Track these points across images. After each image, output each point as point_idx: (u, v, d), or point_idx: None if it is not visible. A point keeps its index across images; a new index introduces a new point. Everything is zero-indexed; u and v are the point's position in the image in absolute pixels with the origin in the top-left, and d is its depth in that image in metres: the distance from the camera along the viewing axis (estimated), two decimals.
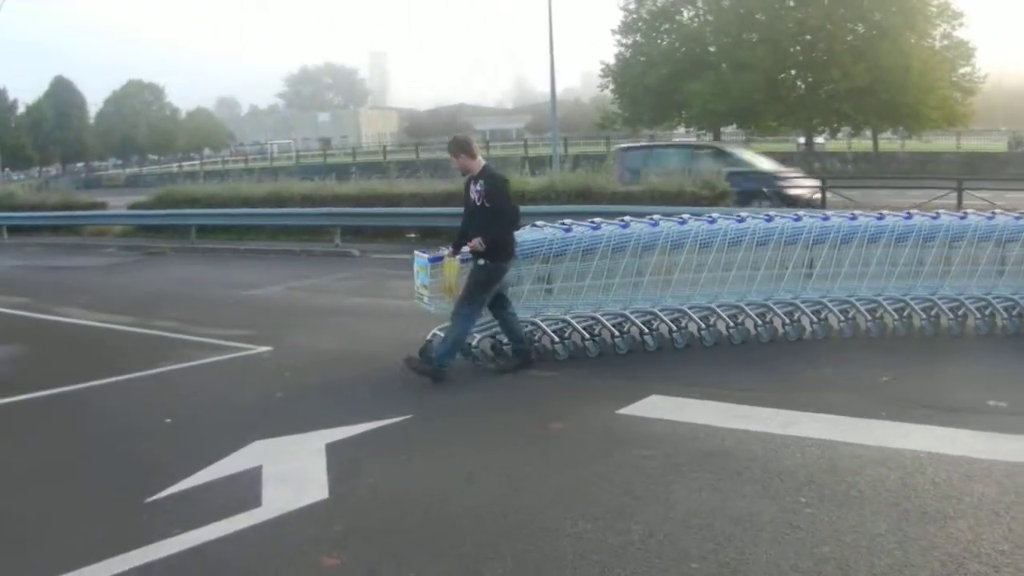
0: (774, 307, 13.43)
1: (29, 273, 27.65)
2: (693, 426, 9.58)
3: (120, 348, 13.54)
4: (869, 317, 13.51)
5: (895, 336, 13.37)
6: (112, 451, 9.95)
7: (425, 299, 12.47)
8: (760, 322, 13.38)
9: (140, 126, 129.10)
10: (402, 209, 29.31)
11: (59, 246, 35.40)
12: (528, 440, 9.49)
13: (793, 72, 65.05)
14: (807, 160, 57.79)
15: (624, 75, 68.71)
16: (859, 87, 58.49)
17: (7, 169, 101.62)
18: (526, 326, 12.78)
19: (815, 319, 13.48)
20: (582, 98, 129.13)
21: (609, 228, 13.15)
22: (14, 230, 41.46)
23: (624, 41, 69.53)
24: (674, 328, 13.17)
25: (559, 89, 50.28)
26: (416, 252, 12.70)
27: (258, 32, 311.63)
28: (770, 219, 13.74)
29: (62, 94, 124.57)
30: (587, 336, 12.91)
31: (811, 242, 13.54)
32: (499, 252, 11.98)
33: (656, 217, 13.66)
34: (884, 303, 13.50)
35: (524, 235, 12.92)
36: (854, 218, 13.89)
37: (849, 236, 13.57)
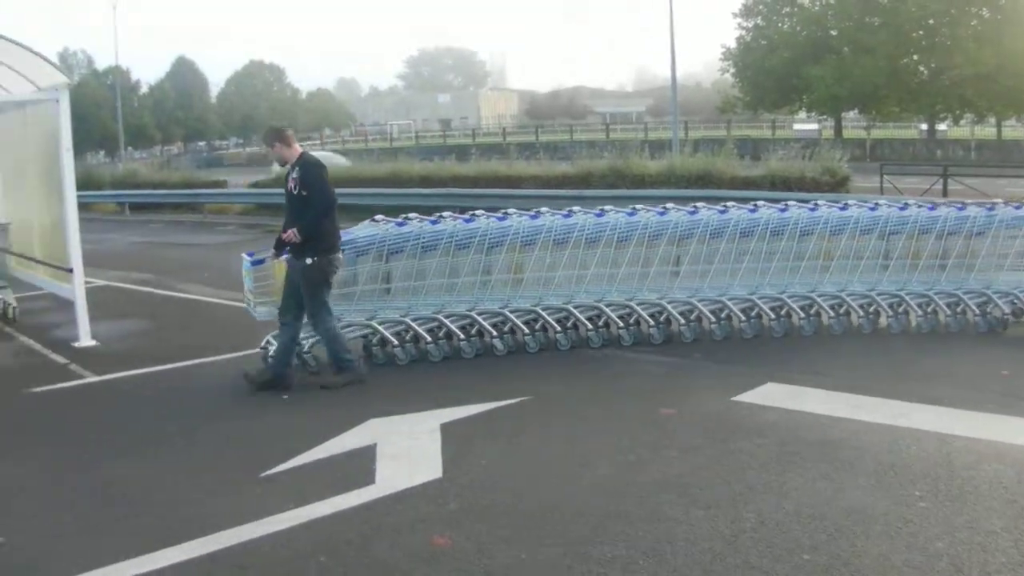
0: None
1: (151, 249, 28.16)
2: (808, 415, 9.54)
3: (239, 324, 13.71)
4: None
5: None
6: (229, 426, 10.20)
7: (251, 304, 12.01)
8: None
9: (261, 106, 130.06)
10: (519, 191, 29.18)
11: (180, 223, 36.01)
12: (642, 425, 9.49)
13: (916, 57, 64.10)
14: (929, 148, 57.05)
15: (745, 59, 68.23)
16: (983, 73, 57.48)
17: (130, 148, 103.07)
18: (362, 329, 12.37)
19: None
20: (703, 82, 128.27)
21: (452, 223, 12.68)
22: (137, 207, 42.24)
23: (745, 24, 69.06)
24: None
25: (680, 73, 50.14)
26: (243, 254, 12.22)
27: (379, 13, 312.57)
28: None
29: (184, 74, 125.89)
30: (429, 339, 12.39)
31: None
32: (324, 245, 11.33)
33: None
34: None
35: (358, 231, 12.65)
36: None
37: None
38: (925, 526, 6.82)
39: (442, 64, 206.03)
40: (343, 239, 11.94)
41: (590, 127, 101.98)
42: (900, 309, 13.26)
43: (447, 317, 12.45)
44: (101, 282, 20.15)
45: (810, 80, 62.73)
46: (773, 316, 13.05)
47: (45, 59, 16.31)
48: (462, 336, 12.44)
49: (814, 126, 70.89)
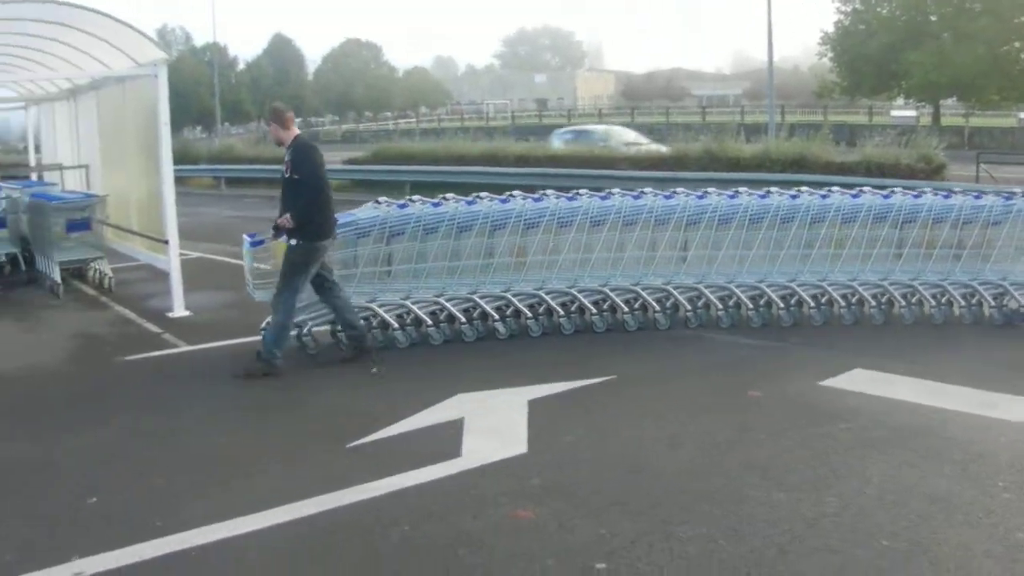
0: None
1: (245, 223, 28.43)
2: (894, 402, 9.54)
3: None
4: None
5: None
6: (318, 397, 10.43)
7: (251, 286, 11.92)
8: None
9: (357, 84, 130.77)
10: (614, 172, 29.05)
11: (275, 198, 36.33)
12: (728, 407, 9.56)
13: (1017, 44, 63.00)
14: None
15: (843, 43, 67.40)
16: None
17: (226, 124, 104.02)
18: (363, 311, 12.19)
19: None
20: (800, 66, 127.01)
21: (454, 206, 12.59)
22: (232, 182, 42.76)
23: (844, 9, 68.17)
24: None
25: (777, 56, 49.77)
26: (244, 235, 12.15)
27: None
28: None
29: (281, 51, 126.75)
30: (430, 322, 12.31)
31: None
32: (311, 230, 11.17)
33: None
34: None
35: (360, 212, 12.45)
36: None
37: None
38: (1007, 516, 6.82)
39: (539, 44, 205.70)
40: (344, 220, 12.04)
41: (686, 109, 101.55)
42: (914, 299, 13.10)
43: (448, 300, 12.38)
44: (195, 254, 20.48)
45: (908, 66, 61.93)
46: (782, 305, 12.93)
47: (144, 35, 16.60)
48: (463, 319, 12.36)
49: (912, 113, 69.96)
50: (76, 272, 18.03)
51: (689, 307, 12.76)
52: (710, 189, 13.45)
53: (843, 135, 41.37)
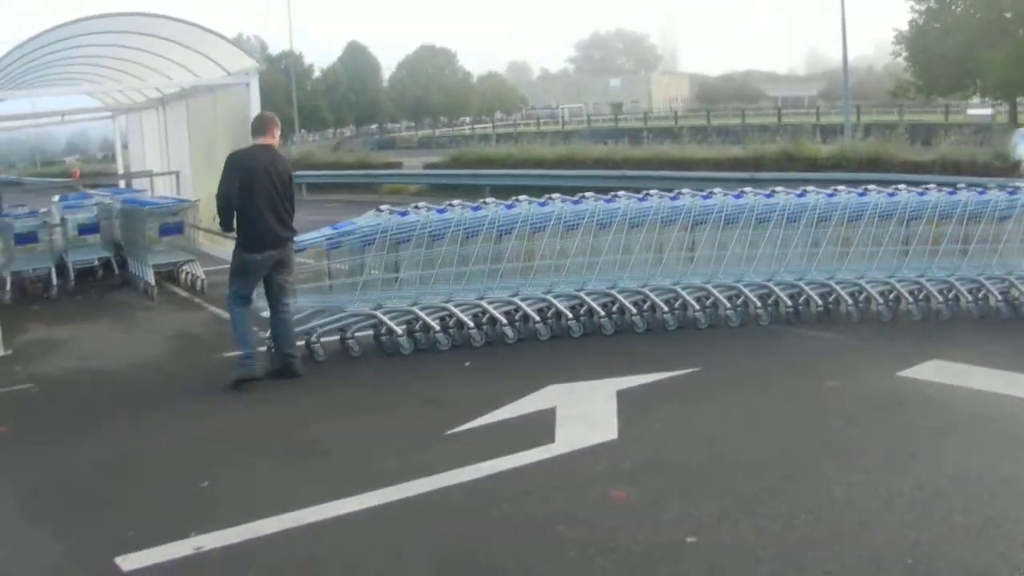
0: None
1: None
2: (971, 391, 9.80)
3: None
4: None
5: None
6: (415, 388, 10.85)
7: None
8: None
9: (432, 89, 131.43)
10: (692, 173, 29.27)
11: (356, 203, 36.85)
12: (808, 395, 9.92)
13: None
14: None
15: (917, 42, 66.85)
16: None
17: (303, 130, 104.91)
18: (370, 319, 12.26)
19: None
20: (875, 66, 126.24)
21: (460, 212, 12.50)
22: (313, 187, 43.26)
23: (918, 7, 67.59)
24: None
25: (851, 56, 49.83)
26: None
27: None
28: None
29: (356, 58, 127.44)
30: (437, 328, 12.29)
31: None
32: (240, 240, 11.22)
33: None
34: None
35: (361, 221, 12.45)
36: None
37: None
38: None
39: (613, 47, 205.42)
40: (346, 228, 12.21)
41: (762, 111, 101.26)
42: (921, 295, 13.13)
43: (456, 306, 12.39)
44: None
45: (984, 64, 61.45)
46: (789, 304, 13.05)
47: (235, 45, 17.18)
48: (471, 324, 12.39)
49: (988, 111, 69.46)
50: (168, 275, 18.57)
51: (728, 305, 12.93)
52: (747, 189, 13.63)
53: (919, 134, 41.34)
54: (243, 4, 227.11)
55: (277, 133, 11.60)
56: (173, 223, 17.77)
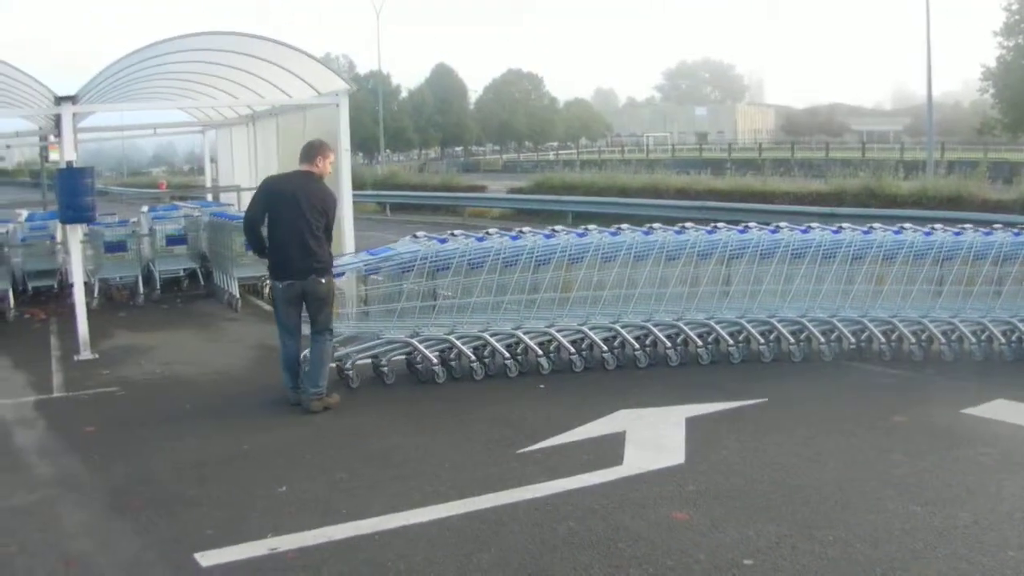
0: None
1: None
2: None
3: None
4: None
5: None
6: (490, 409, 11.11)
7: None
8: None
9: (518, 113, 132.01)
10: (775, 206, 29.39)
11: (440, 225, 37.25)
12: (872, 429, 10.04)
13: None
14: None
15: (1005, 79, 66.32)
16: None
17: (388, 150, 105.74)
18: (406, 345, 12.19)
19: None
20: (962, 102, 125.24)
21: (499, 240, 12.45)
22: (397, 208, 43.79)
23: (1006, 43, 67.03)
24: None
25: (938, 92, 49.71)
26: None
27: (639, 24, 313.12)
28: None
29: (443, 80, 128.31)
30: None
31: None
32: (268, 266, 11.41)
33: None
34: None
35: (399, 247, 12.38)
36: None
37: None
38: None
39: (699, 77, 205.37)
40: (385, 255, 12.13)
41: (846, 145, 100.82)
42: (954, 336, 13.18)
43: (493, 335, 12.36)
44: None
45: None
46: (793, 341, 13.13)
47: (327, 67, 17.58)
48: (507, 355, 12.38)
49: None
50: (252, 288, 18.95)
51: (762, 340, 13.05)
52: (782, 223, 13.85)
53: (1003, 172, 41.11)
54: (333, 23, 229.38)
55: (323, 163, 11.44)
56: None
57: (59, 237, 20.05)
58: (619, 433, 9.83)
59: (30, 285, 19.57)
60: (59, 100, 15.36)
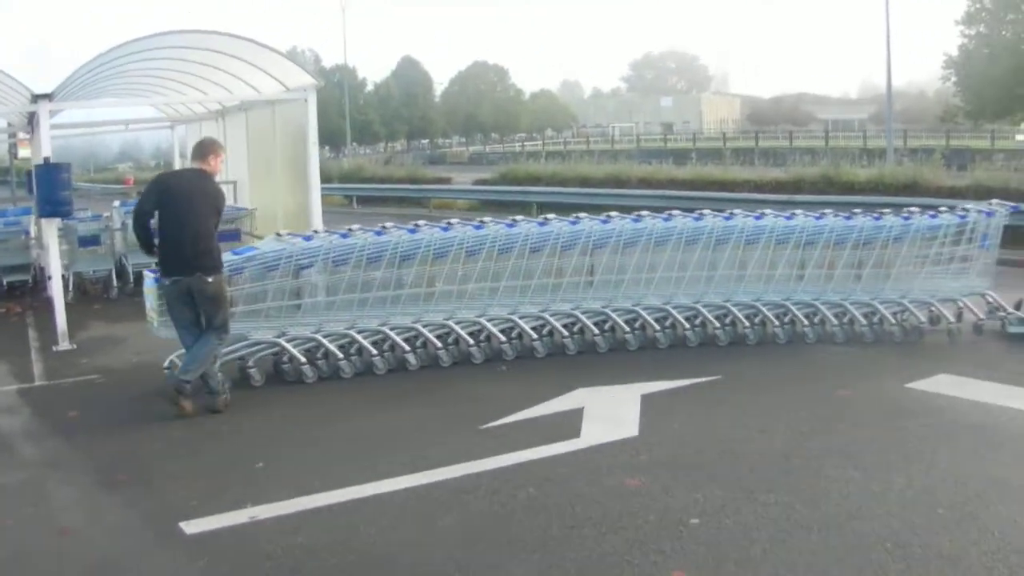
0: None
1: None
2: (972, 403, 10.46)
3: None
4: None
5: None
6: (451, 388, 11.71)
7: (155, 323, 11.58)
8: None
9: (484, 105, 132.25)
10: (735, 194, 29.71)
11: (406, 217, 37.58)
12: (817, 403, 10.58)
13: None
14: None
15: (967, 67, 66.94)
16: None
17: (355, 144, 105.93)
18: (273, 347, 12.07)
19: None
20: (926, 90, 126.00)
21: (363, 237, 12.36)
22: (363, 200, 44.13)
23: (967, 32, 67.68)
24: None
25: (903, 81, 50.44)
26: (146, 271, 11.89)
27: (604, 15, 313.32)
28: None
29: (409, 73, 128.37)
30: (341, 355, 12.16)
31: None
32: (160, 263, 11.20)
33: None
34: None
35: (263, 246, 12.52)
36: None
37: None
38: None
39: (665, 68, 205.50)
40: (249, 254, 12.09)
41: (811, 134, 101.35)
42: (816, 319, 13.56)
43: (359, 332, 12.32)
44: None
45: None
46: (718, 324, 13.44)
47: (294, 62, 18.02)
48: (375, 352, 12.29)
49: None
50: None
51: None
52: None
53: (963, 159, 41.70)
54: (298, 16, 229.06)
55: (215, 162, 11.44)
56: (230, 231, 18.55)
57: (32, 232, 20.46)
58: (577, 409, 10.37)
59: (4, 280, 19.92)
60: (36, 98, 15.74)
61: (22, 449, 10.00)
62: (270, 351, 12.20)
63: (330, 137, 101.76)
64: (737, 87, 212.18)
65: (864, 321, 13.48)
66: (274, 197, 19.97)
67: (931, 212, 14.15)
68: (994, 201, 14.44)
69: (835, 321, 13.47)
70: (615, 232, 13.24)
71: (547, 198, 34.69)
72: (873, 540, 6.92)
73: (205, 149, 11.44)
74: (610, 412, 10.27)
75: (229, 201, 22.18)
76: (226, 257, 11.55)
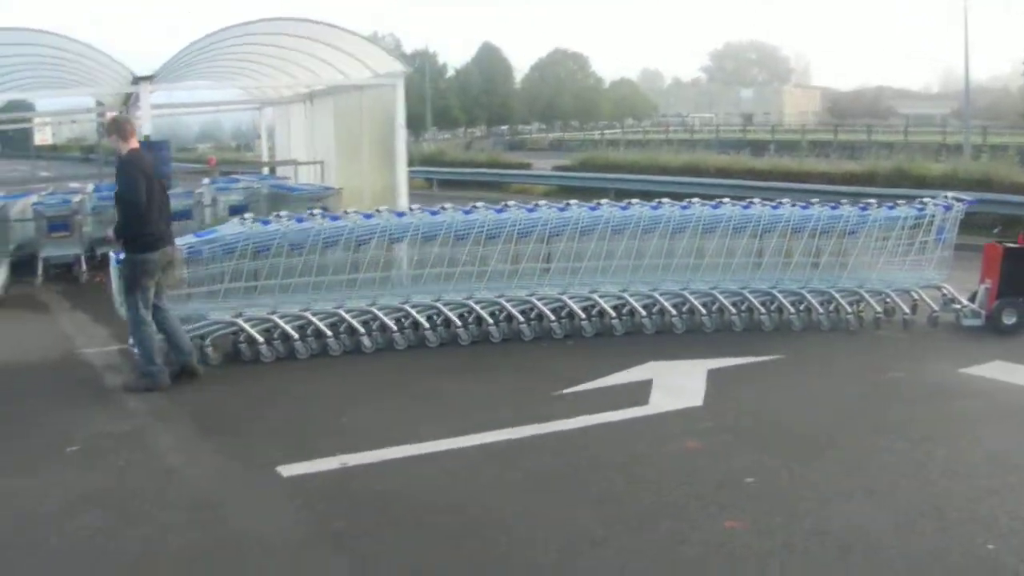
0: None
1: None
2: (1021, 387, 11.00)
3: None
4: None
5: None
6: (524, 359, 12.50)
7: (117, 303, 11.86)
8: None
9: (564, 93, 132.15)
10: (809, 185, 29.77)
11: (485, 201, 38.16)
12: (872, 383, 11.16)
13: None
14: None
15: None
16: None
17: (435, 128, 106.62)
18: (231, 326, 12.30)
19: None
20: (1009, 86, 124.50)
21: (320, 222, 12.74)
22: (444, 184, 44.68)
23: None
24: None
25: (987, 76, 50.14)
26: (111, 253, 12.29)
27: (684, 4, 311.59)
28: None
29: (489, 59, 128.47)
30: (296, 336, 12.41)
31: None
32: (137, 244, 11.11)
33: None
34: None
35: (224, 229, 12.73)
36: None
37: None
38: None
39: (746, 58, 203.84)
40: (209, 236, 12.45)
41: (891, 128, 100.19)
42: (773, 306, 13.72)
43: (314, 315, 12.55)
44: None
45: None
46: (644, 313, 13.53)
47: (384, 49, 18.73)
48: (329, 333, 12.50)
49: None
50: None
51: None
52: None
53: None
54: (380, 1, 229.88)
55: (133, 139, 11.57)
56: (320, 208, 19.27)
57: None
58: (647, 380, 11.04)
59: (97, 251, 20.73)
60: (137, 79, 16.57)
61: (127, 402, 10.83)
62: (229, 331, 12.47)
63: (410, 121, 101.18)
64: (818, 79, 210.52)
65: (821, 310, 13.69)
66: (361, 177, 20.68)
67: (889, 204, 14.43)
68: (950, 194, 14.70)
69: (821, 310, 13.68)
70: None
71: (625, 185, 34.90)
72: (911, 504, 7.50)
73: (131, 126, 11.77)
74: (678, 383, 10.93)
75: (316, 180, 23.10)
76: (187, 240, 12.39)
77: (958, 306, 13.81)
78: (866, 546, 6.73)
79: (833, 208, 14.04)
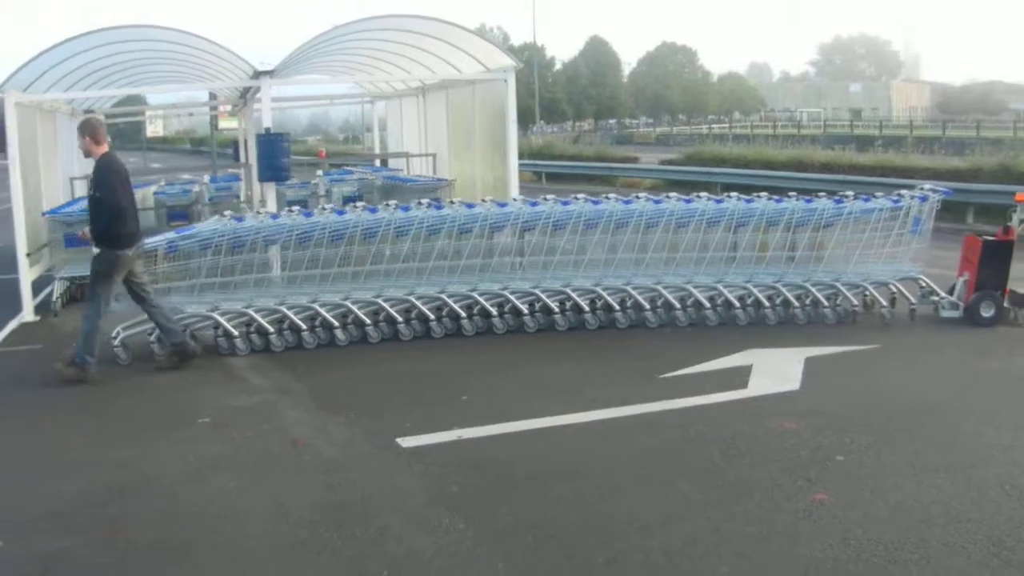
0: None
1: None
2: None
3: None
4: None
5: None
6: (630, 345, 13.11)
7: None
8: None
9: (672, 87, 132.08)
10: (910, 180, 29.75)
11: (590, 194, 38.51)
12: (967, 372, 11.60)
13: None
14: None
15: None
16: None
17: (543, 121, 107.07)
18: (207, 319, 12.74)
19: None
20: None
21: (292, 218, 13.15)
22: (552, 177, 45.19)
23: None
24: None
25: None
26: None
27: None
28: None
29: (597, 53, 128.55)
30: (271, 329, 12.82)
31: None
32: (111, 240, 11.49)
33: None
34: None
35: (202, 226, 13.11)
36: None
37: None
38: None
39: (855, 52, 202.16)
40: (187, 232, 12.78)
41: (1002, 123, 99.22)
42: (750, 300, 13.88)
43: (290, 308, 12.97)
44: None
45: None
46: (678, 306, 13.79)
47: (496, 45, 19.29)
48: (336, 324, 13.05)
49: None
50: None
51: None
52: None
53: None
54: None
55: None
56: (432, 200, 19.81)
57: (241, 196, 22.05)
58: (747, 366, 11.60)
59: None
60: (258, 74, 17.27)
61: (253, 379, 11.64)
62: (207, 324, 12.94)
63: (518, 115, 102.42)
64: (928, 74, 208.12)
65: (797, 304, 13.93)
66: (473, 169, 21.33)
67: (864, 196, 14.62)
68: (927, 186, 14.92)
69: (797, 304, 13.90)
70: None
71: (730, 179, 35.23)
72: (993, 483, 7.91)
73: (103, 127, 12.34)
74: (776, 369, 11.45)
75: (428, 172, 23.72)
76: (167, 236, 12.91)
77: (936, 298, 14.10)
78: (946, 518, 7.18)
79: (808, 201, 14.27)
